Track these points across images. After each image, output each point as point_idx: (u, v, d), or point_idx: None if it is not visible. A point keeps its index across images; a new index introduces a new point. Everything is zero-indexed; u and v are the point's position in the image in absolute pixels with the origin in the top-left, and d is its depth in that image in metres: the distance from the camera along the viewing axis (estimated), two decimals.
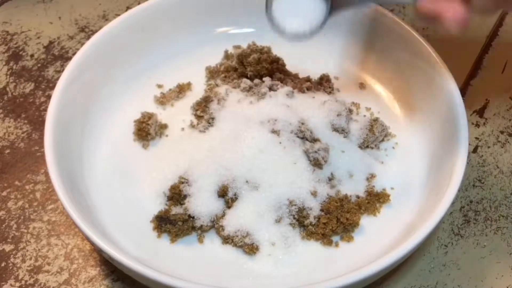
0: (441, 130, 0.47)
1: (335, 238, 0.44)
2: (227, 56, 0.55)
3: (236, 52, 0.53)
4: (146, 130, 0.49)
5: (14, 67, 0.58)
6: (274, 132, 0.45)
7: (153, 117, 0.49)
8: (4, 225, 0.47)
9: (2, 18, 0.62)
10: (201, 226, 0.44)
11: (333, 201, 0.44)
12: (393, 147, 0.49)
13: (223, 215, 0.44)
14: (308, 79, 0.53)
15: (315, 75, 0.53)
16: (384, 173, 0.47)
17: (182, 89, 0.52)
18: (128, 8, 0.63)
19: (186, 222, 0.43)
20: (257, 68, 0.51)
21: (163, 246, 0.43)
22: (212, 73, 0.54)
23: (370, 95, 0.53)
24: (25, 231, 0.47)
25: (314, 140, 0.46)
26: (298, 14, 0.44)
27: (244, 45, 0.55)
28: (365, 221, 0.45)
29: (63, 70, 0.49)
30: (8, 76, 0.57)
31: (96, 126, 0.49)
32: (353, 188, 0.46)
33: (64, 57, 0.59)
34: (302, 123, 0.46)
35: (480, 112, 0.55)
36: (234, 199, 0.44)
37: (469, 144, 0.44)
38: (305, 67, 0.54)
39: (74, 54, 0.50)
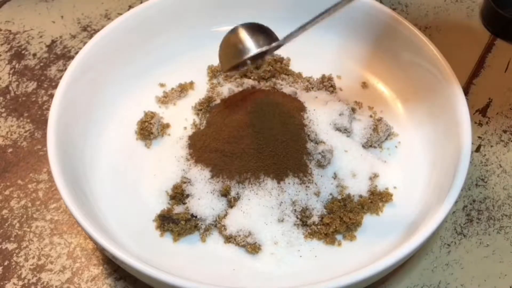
0: (444, 129, 0.47)
1: (338, 238, 0.44)
2: None
3: None
4: (149, 130, 0.49)
5: (16, 66, 0.58)
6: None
7: (156, 117, 0.50)
8: (7, 224, 0.47)
9: (4, 17, 0.62)
10: (204, 225, 0.44)
11: (336, 200, 0.44)
12: (396, 146, 0.49)
13: (226, 214, 0.44)
14: (311, 79, 0.53)
15: (317, 75, 0.53)
16: (387, 172, 0.47)
17: (184, 89, 0.52)
18: (130, 7, 0.63)
19: (189, 221, 0.43)
20: (260, 74, 0.51)
21: (165, 245, 0.43)
22: (215, 72, 0.54)
23: (372, 94, 0.53)
24: (28, 230, 0.47)
25: (318, 141, 0.46)
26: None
27: None
28: (368, 220, 0.45)
29: (65, 69, 0.49)
30: (10, 75, 0.57)
31: (98, 125, 0.49)
32: (356, 188, 0.46)
33: (67, 56, 0.59)
34: (306, 124, 0.46)
35: (483, 111, 0.55)
36: (237, 198, 0.44)
37: (472, 143, 0.44)
38: (308, 66, 0.54)
39: (76, 53, 0.50)
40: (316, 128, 0.47)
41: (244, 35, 0.42)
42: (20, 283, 0.44)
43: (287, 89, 0.50)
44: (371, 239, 0.44)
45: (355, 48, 0.55)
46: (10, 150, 0.52)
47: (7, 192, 0.49)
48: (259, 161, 0.44)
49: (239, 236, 0.43)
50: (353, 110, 0.50)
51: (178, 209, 0.44)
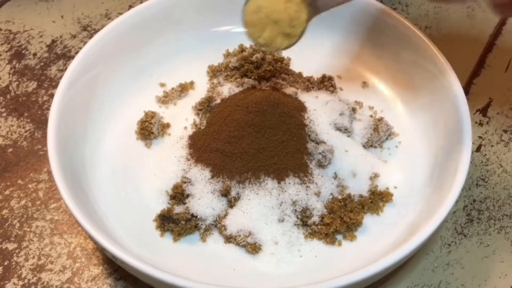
0: (444, 129, 0.47)
1: (338, 237, 0.44)
2: (229, 55, 0.55)
3: (237, 58, 0.53)
4: (149, 129, 0.49)
5: (16, 66, 0.58)
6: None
7: (156, 116, 0.50)
8: (7, 224, 0.47)
9: (4, 17, 0.62)
10: (204, 225, 0.44)
11: (337, 200, 0.44)
12: (396, 146, 0.49)
13: (226, 214, 0.44)
14: (311, 78, 0.53)
15: (318, 74, 0.53)
16: (387, 172, 0.47)
17: (184, 88, 0.52)
18: (130, 6, 0.63)
19: (189, 221, 0.43)
20: (260, 74, 0.51)
21: (166, 245, 0.43)
22: (215, 72, 0.54)
23: (373, 94, 0.53)
24: (28, 229, 0.47)
25: (318, 141, 0.46)
26: None
27: (247, 44, 0.55)
28: (368, 220, 0.45)
29: (65, 69, 0.49)
30: (11, 75, 0.57)
31: (98, 125, 0.49)
32: (356, 188, 0.45)
33: (67, 56, 0.59)
34: (306, 124, 0.46)
35: (484, 111, 0.55)
36: (237, 198, 0.44)
37: (473, 143, 0.44)
38: (308, 66, 0.54)
39: (76, 53, 0.50)
40: (317, 128, 0.47)
41: None
42: (20, 283, 0.44)
43: (287, 89, 0.50)
44: (371, 239, 0.44)
45: (355, 48, 0.55)
46: (10, 150, 0.52)
47: (7, 192, 0.49)
48: (259, 161, 0.44)
49: (239, 236, 0.43)
50: (354, 110, 0.50)
51: (178, 209, 0.44)
